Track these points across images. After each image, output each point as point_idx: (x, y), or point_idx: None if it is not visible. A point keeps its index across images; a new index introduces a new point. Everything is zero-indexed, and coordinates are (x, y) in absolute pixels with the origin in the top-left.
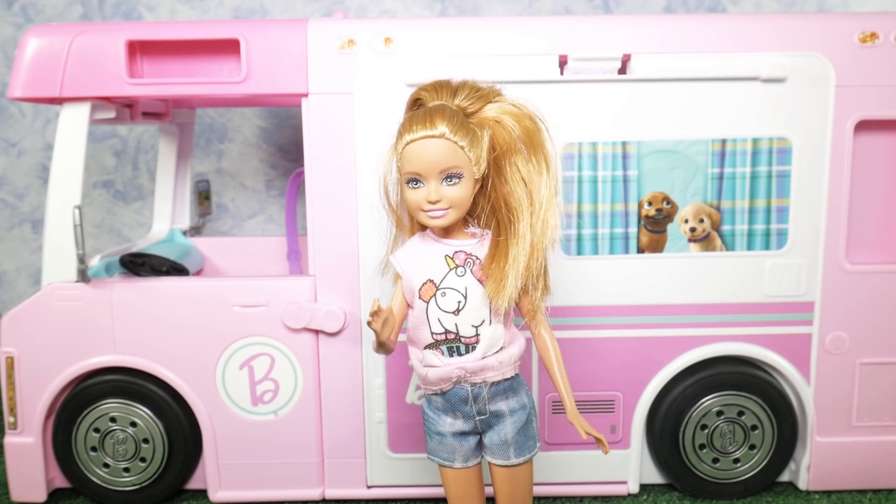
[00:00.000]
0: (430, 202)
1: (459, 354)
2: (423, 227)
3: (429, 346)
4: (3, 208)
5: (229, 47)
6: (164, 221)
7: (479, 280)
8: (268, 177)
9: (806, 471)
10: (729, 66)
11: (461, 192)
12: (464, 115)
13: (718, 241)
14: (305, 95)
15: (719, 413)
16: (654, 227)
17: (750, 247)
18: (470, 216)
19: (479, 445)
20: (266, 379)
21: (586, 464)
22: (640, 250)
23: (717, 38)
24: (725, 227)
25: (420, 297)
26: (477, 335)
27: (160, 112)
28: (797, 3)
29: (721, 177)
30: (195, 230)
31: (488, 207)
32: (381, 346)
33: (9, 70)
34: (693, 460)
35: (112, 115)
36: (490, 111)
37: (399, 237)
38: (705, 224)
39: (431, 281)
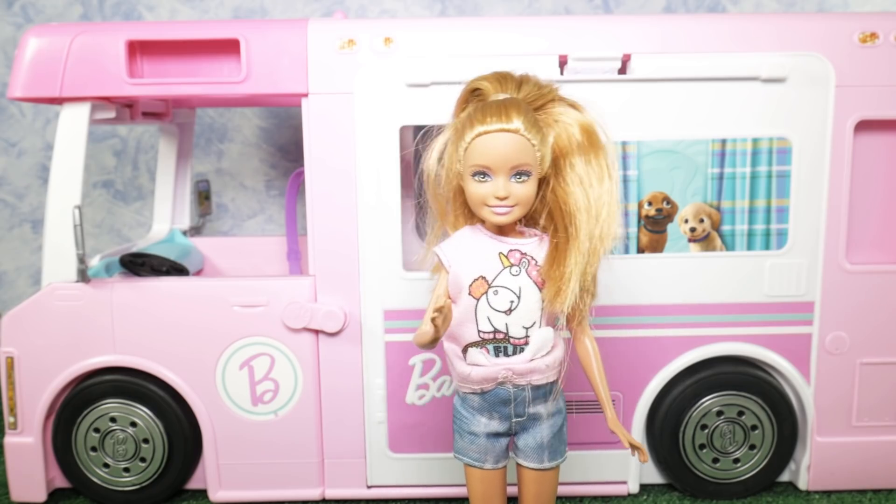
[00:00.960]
0: (498, 198)
1: (506, 355)
2: (469, 220)
3: (473, 345)
4: (3, 208)
5: (229, 47)
6: (164, 221)
7: (534, 282)
8: (268, 177)
9: (806, 471)
10: (729, 66)
11: (528, 191)
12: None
13: (718, 241)
14: (305, 95)
15: (719, 413)
16: (654, 227)
17: (750, 247)
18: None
19: (509, 447)
20: (266, 379)
21: (586, 464)
22: (640, 250)
23: (717, 38)
24: (725, 227)
25: (470, 294)
26: (527, 336)
27: (160, 112)
28: (797, 3)
29: (721, 177)
30: (195, 230)
31: (545, 210)
32: (433, 343)
33: (9, 70)
34: (693, 460)
35: (112, 115)
36: (551, 110)
37: (441, 229)
38: (705, 224)
39: (483, 278)
